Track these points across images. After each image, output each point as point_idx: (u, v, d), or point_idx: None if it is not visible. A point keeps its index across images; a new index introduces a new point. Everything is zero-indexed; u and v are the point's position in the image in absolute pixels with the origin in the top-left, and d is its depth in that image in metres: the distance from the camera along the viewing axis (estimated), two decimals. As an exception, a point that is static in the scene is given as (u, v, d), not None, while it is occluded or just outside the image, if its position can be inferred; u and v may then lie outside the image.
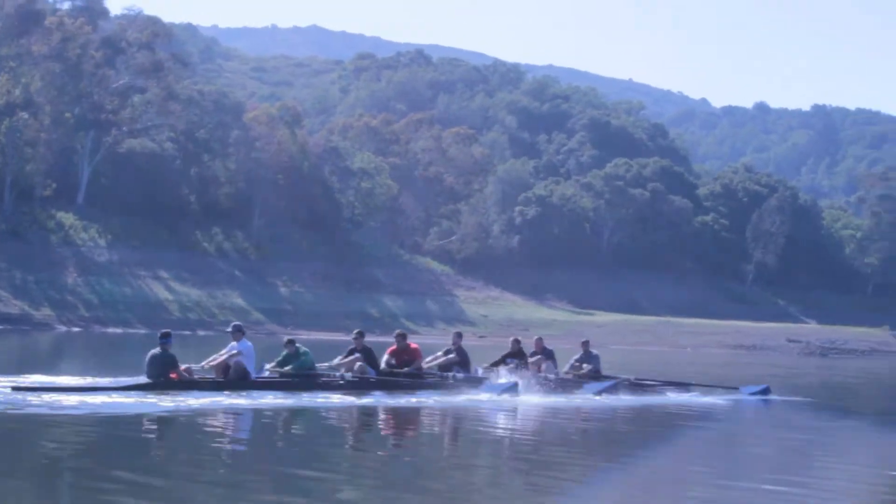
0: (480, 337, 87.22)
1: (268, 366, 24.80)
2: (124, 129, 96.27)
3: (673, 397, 29.34)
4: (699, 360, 66.11)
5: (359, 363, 25.39)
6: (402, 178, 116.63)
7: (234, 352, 23.62)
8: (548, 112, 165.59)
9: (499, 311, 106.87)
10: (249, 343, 24.25)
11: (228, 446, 16.00)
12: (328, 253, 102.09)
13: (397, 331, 29.13)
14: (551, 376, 28.44)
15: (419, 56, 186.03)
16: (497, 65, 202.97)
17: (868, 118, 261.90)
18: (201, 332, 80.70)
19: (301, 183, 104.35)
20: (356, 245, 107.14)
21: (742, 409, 28.04)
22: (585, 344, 30.97)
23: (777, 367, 60.60)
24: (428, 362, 27.40)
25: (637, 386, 29.94)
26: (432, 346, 28.99)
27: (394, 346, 26.97)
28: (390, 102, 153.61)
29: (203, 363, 23.77)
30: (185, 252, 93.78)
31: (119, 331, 76.69)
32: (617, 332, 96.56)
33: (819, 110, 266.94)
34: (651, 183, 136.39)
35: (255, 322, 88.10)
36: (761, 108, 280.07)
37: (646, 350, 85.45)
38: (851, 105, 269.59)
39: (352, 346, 25.99)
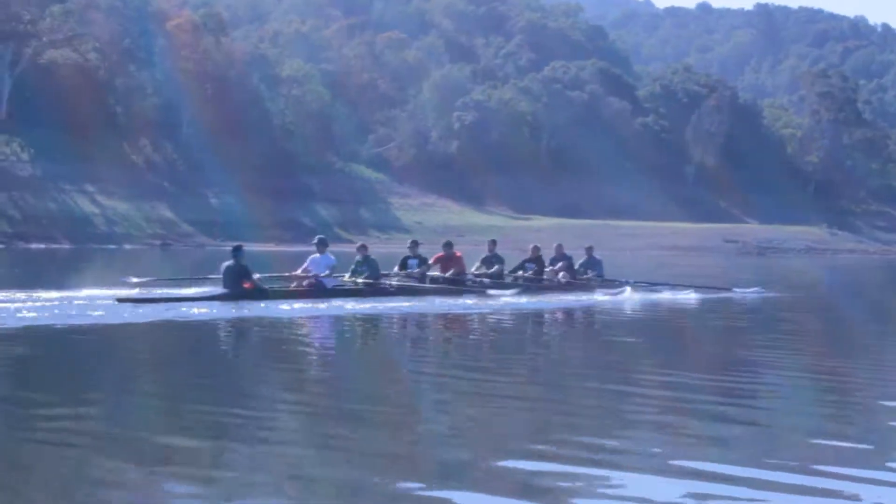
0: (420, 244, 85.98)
1: (345, 276, 25.49)
2: (44, 39, 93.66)
3: (670, 296, 29.43)
4: (639, 263, 65.28)
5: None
6: (334, 85, 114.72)
7: (318, 269, 24.56)
8: (485, 15, 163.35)
9: (434, 217, 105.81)
10: (333, 258, 25.02)
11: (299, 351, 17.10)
12: (259, 162, 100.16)
13: (445, 240, 29.99)
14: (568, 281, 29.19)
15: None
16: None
17: (810, 16, 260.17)
18: (127, 246, 79.35)
19: (229, 92, 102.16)
20: (288, 154, 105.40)
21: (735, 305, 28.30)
22: (589, 249, 31.14)
23: (713, 268, 60.02)
24: (474, 271, 28.33)
25: (639, 288, 30.29)
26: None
27: (440, 254, 27.61)
28: (325, 8, 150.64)
29: (288, 273, 25.12)
30: (113, 165, 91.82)
31: (42, 246, 75.08)
32: (555, 237, 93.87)
33: (762, 9, 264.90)
34: (589, 85, 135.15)
35: (184, 234, 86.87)
36: (704, 7, 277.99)
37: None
38: (794, 3, 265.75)
39: (407, 255, 27.00)
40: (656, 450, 9.29)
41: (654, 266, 58.14)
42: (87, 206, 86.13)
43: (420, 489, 7.96)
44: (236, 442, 9.48)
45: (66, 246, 76.08)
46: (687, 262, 69.78)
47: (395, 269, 26.76)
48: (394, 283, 25.58)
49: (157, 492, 7.94)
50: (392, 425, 10.51)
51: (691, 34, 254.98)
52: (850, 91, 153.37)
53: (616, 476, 8.36)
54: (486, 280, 27.63)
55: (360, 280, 25.01)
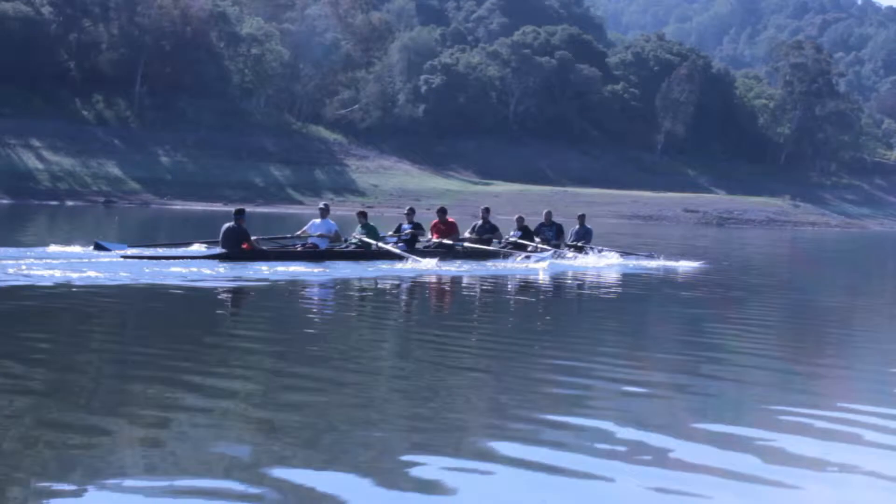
0: (368, 207, 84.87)
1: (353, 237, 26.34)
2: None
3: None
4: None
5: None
6: (297, 45, 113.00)
7: (317, 232, 25.49)
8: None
9: (390, 180, 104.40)
10: (333, 224, 25.85)
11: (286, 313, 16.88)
12: (214, 121, 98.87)
13: (439, 206, 30.70)
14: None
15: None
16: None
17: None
18: (69, 203, 77.96)
19: (186, 49, 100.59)
20: (244, 113, 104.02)
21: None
22: (581, 218, 30.91)
23: (661, 238, 58.94)
24: (466, 236, 28.74)
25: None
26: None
27: (435, 221, 28.31)
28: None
29: (290, 235, 26.52)
30: (63, 121, 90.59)
31: (-20, 201, 73.85)
32: (512, 202, 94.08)
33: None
34: (559, 51, 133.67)
35: (131, 191, 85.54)
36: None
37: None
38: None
39: (402, 222, 27.67)
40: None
41: (612, 235, 57.02)
42: (31, 160, 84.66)
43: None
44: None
45: (6, 201, 74.74)
46: (636, 231, 68.85)
47: (389, 233, 27.31)
48: (389, 247, 26.05)
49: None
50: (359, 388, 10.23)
51: (671, 2, 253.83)
52: (823, 63, 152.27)
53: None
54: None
55: (362, 239, 25.78)
